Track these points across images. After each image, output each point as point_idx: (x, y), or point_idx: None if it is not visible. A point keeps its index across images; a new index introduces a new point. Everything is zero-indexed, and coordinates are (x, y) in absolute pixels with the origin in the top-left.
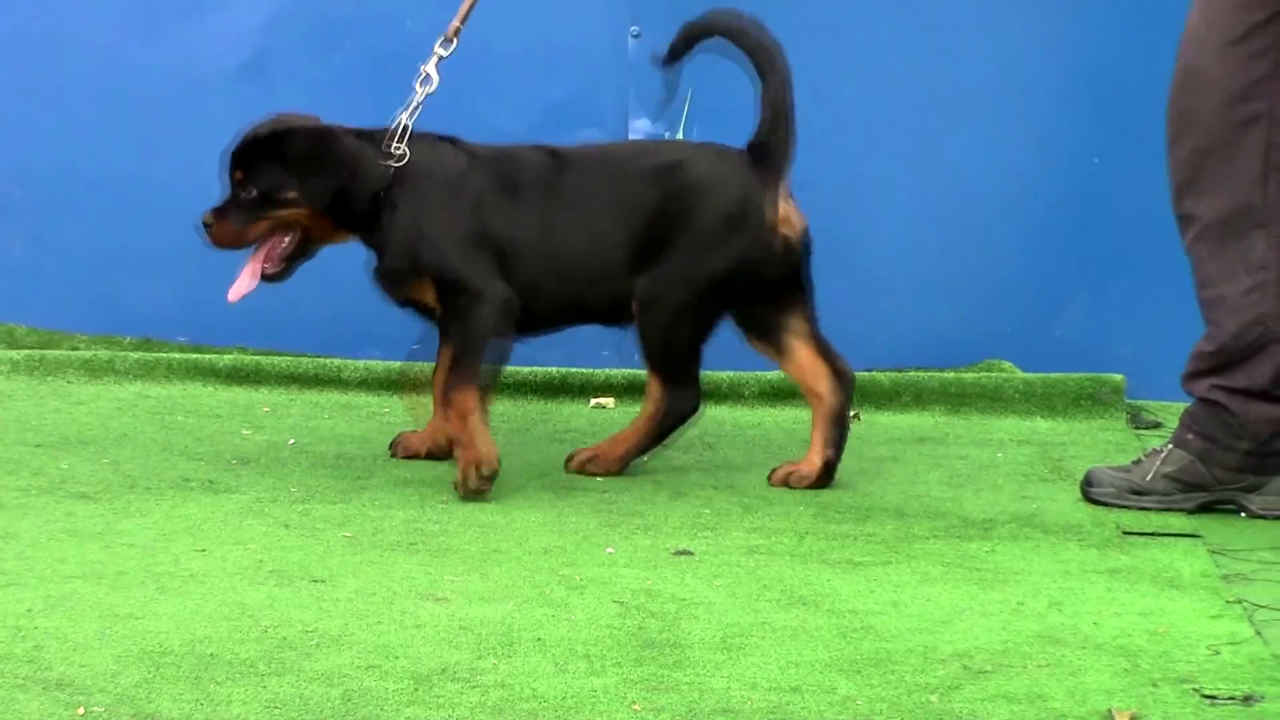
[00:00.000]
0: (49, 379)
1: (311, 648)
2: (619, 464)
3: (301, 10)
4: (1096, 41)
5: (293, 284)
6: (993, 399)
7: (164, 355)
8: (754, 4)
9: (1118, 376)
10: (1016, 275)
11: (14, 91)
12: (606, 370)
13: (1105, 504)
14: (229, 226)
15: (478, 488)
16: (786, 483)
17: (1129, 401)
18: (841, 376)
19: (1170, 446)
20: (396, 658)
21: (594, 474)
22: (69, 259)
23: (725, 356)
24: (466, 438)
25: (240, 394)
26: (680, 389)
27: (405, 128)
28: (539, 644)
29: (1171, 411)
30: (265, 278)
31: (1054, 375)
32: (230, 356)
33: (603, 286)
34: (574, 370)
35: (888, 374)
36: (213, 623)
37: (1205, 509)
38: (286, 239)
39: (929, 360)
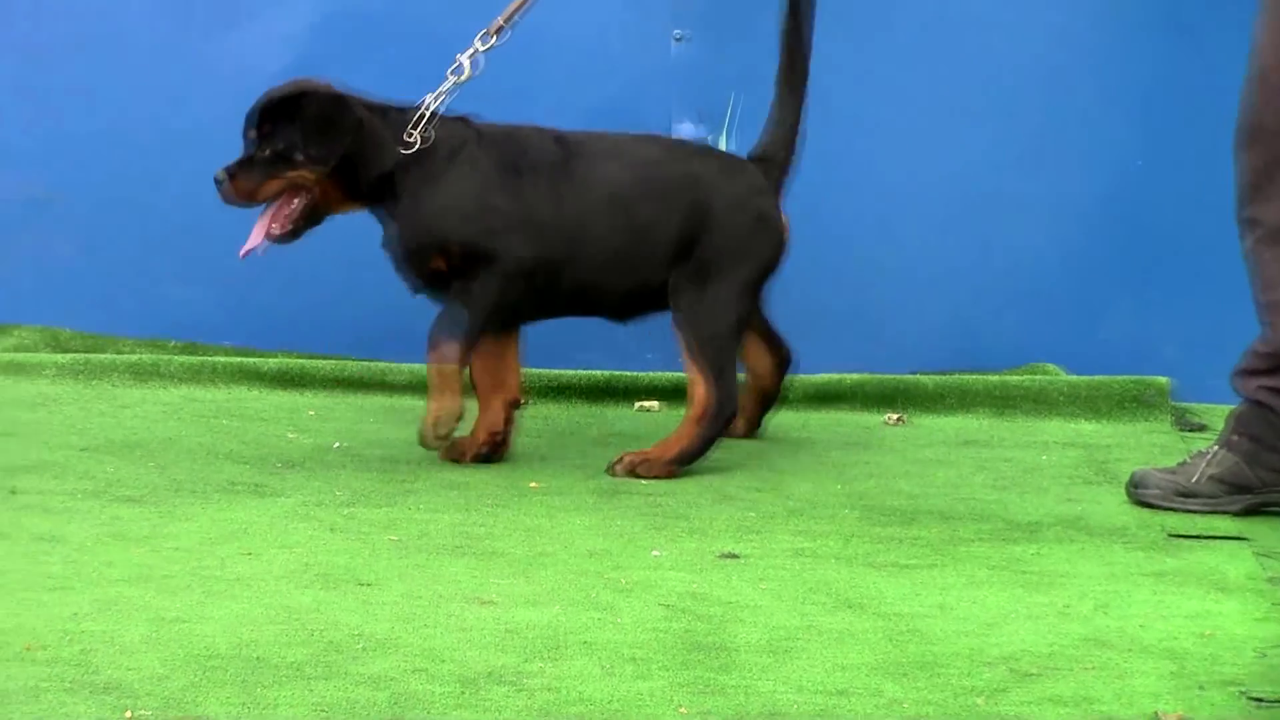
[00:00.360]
0: (95, 383)
1: (359, 651)
2: (672, 466)
3: (348, 14)
4: (1142, 42)
5: (338, 286)
6: (1038, 401)
7: (210, 359)
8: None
9: (1163, 379)
10: (1061, 277)
11: (61, 95)
12: (651, 373)
13: (1152, 505)
14: (242, 183)
15: (433, 444)
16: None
17: (1174, 404)
18: (781, 359)
19: (1217, 448)
20: (444, 661)
21: (644, 477)
22: (115, 263)
23: None
24: (438, 387)
25: (286, 397)
26: (725, 388)
27: (425, 113)
28: (586, 647)
29: (1217, 414)
30: (272, 238)
31: (1099, 378)
32: (276, 360)
33: (632, 276)
34: (619, 373)
35: (933, 377)
36: (260, 626)
37: (1252, 511)
38: (295, 201)
39: (974, 363)
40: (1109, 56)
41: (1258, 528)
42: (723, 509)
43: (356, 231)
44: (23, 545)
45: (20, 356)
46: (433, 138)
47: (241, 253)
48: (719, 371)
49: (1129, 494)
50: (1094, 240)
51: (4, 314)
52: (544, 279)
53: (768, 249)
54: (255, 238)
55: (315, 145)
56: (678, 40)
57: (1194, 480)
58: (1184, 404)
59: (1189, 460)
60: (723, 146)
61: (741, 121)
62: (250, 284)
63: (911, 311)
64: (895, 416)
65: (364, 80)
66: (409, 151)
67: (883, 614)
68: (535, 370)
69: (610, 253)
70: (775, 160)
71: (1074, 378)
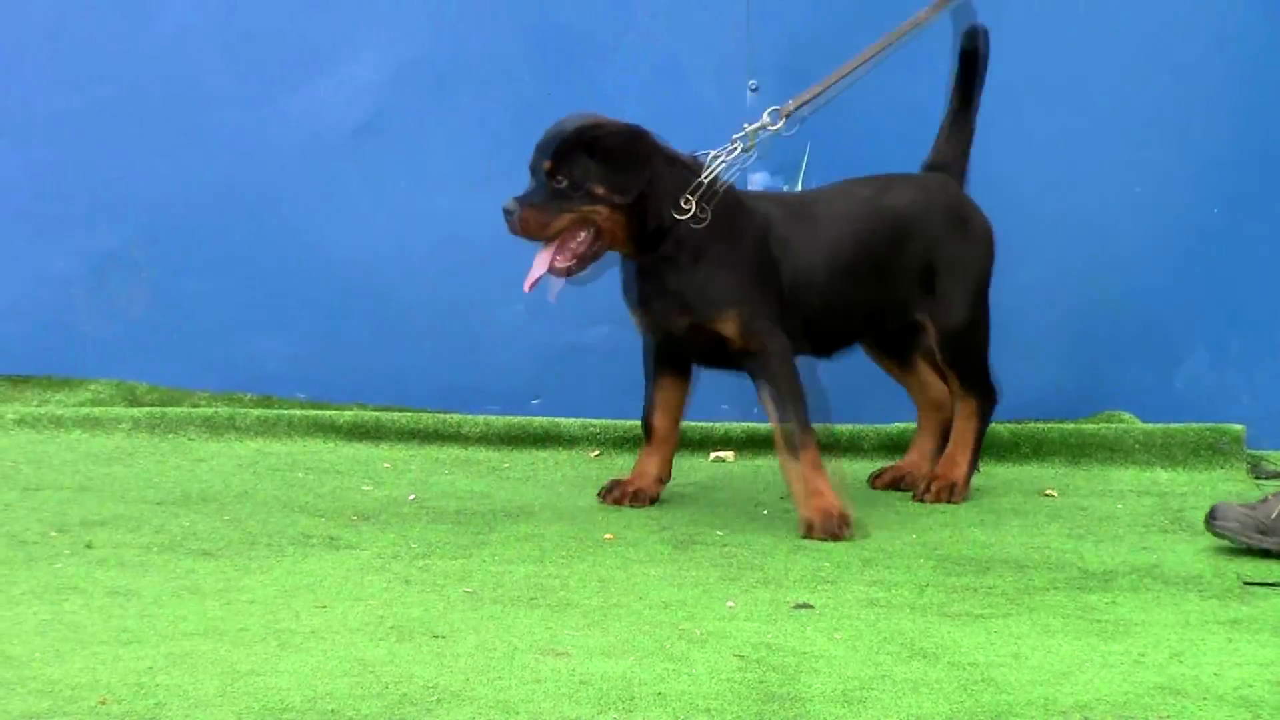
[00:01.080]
0: (170, 436)
1: (433, 703)
2: (965, 485)
3: (418, 69)
4: (1217, 90)
5: (413, 340)
6: (1112, 450)
7: (284, 412)
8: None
9: (1238, 427)
10: (1135, 326)
11: (137, 150)
12: (726, 424)
13: (1227, 537)
14: (533, 215)
15: (838, 533)
16: (897, 486)
17: (1249, 451)
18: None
19: None
20: (517, 713)
21: (941, 502)
22: (190, 317)
23: (842, 409)
24: (818, 486)
25: (360, 450)
26: (987, 388)
27: (701, 185)
28: (659, 698)
29: None
30: (556, 271)
31: (1174, 426)
32: (350, 413)
33: (886, 317)
34: (694, 424)
35: (1007, 426)
36: (334, 679)
37: None
38: (583, 234)
39: (1048, 412)
40: (1189, 105)
41: None
42: (796, 559)
43: (430, 284)
44: (97, 599)
45: (96, 410)
46: (705, 214)
47: (527, 285)
48: (985, 383)
49: (1207, 525)
50: (1168, 288)
51: (79, 368)
52: (813, 332)
53: (990, 248)
54: (538, 269)
55: (616, 177)
56: (753, 90)
57: (1272, 517)
58: (1259, 452)
59: (1269, 497)
60: (799, 182)
61: (816, 171)
62: (324, 337)
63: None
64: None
65: (436, 131)
66: (683, 217)
67: (956, 663)
68: (608, 421)
69: (864, 303)
70: (951, 167)
71: (1148, 426)
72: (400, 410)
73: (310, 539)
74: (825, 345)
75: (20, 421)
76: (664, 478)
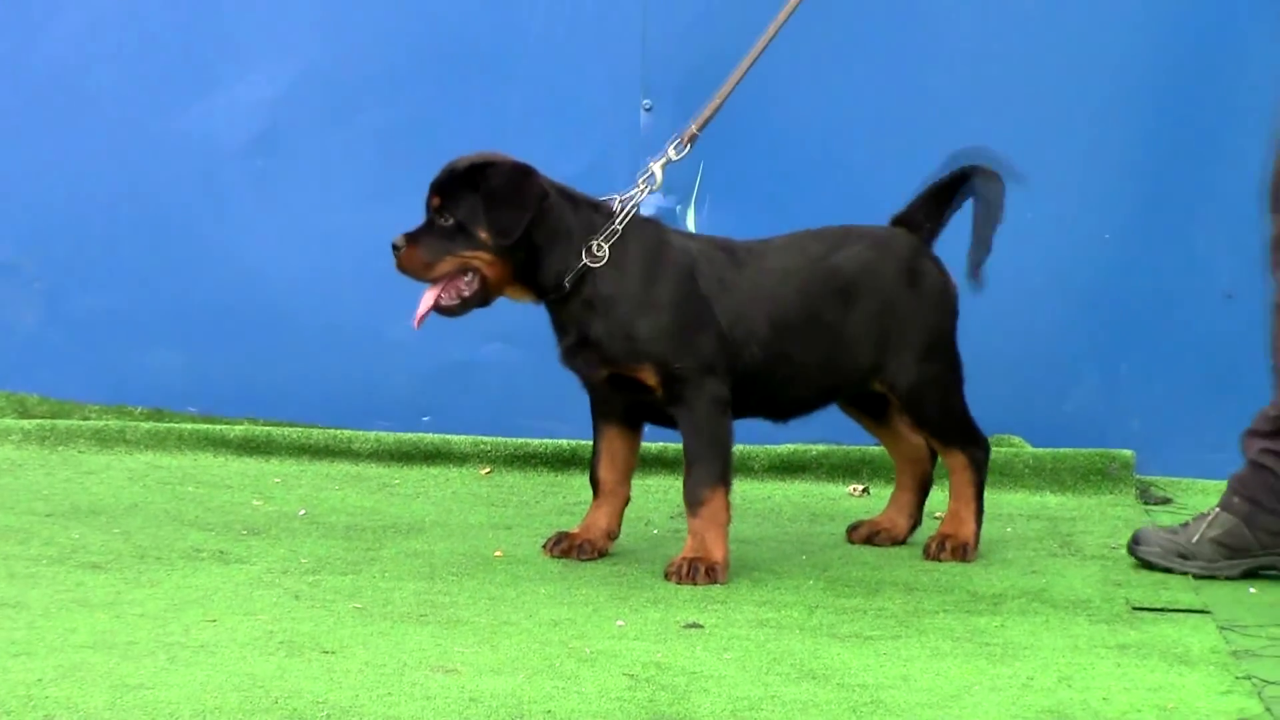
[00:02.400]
0: (60, 448)
1: (323, 719)
2: (976, 542)
3: (314, 85)
4: (1111, 116)
5: (304, 355)
6: (1002, 473)
7: (175, 425)
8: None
9: (1127, 452)
10: (1026, 351)
11: (27, 161)
12: None
13: (1151, 564)
14: (418, 255)
15: (699, 583)
16: (870, 540)
17: (1138, 477)
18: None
19: (1217, 510)
20: None
21: (954, 561)
22: (81, 329)
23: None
24: (712, 538)
25: (251, 464)
26: (971, 438)
27: (615, 231)
28: (549, 716)
29: (1181, 487)
30: (439, 309)
31: (1064, 450)
32: (241, 427)
33: (834, 375)
34: (584, 443)
35: None
36: (223, 693)
37: (1250, 574)
38: (469, 276)
39: None
40: (1076, 131)
41: (1220, 600)
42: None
43: (322, 300)
44: None
45: None
46: (629, 238)
47: (415, 322)
48: (968, 437)
49: (1130, 550)
50: (1059, 313)
51: None
52: (750, 389)
53: (950, 303)
54: (424, 306)
55: (497, 216)
56: (647, 110)
57: (1194, 541)
58: (1148, 477)
59: (1190, 522)
60: (691, 216)
61: (710, 191)
62: (215, 351)
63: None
64: (859, 488)
65: (331, 146)
66: (595, 264)
67: (846, 685)
68: (499, 438)
69: (807, 365)
70: (915, 223)
71: (1038, 450)
72: (291, 425)
73: (200, 553)
74: (777, 407)
75: None
76: (613, 532)
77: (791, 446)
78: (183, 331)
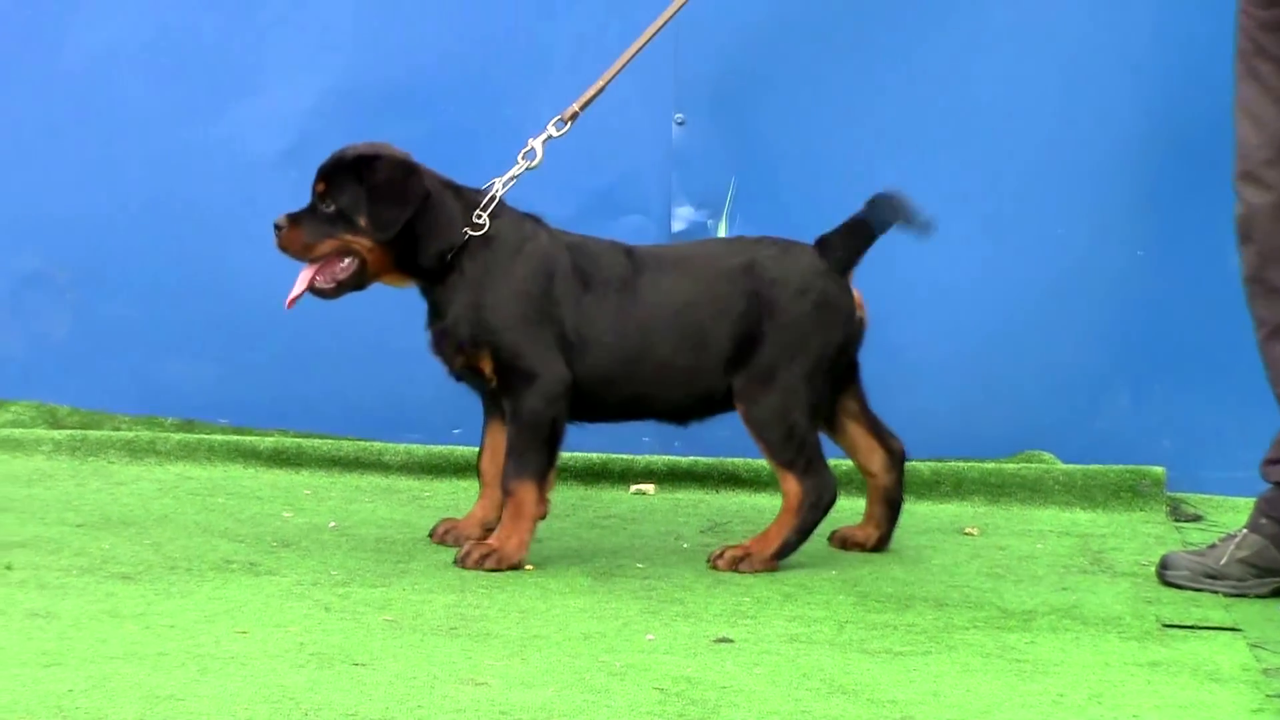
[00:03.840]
0: (91, 459)
1: None
2: (773, 562)
3: (347, 96)
4: (1143, 133)
5: (335, 366)
6: (1033, 490)
7: (206, 437)
8: (796, 86)
9: (1158, 469)
10: (1058, 366)
11: (60, 171)
12: (648, 456)
13: (1180, 587)
14: (299, 236)
15: (472, 568)
16: (844, 546)
17: (1169, 494)
18: (893, 454)
19: (1245, 531)
20: None
21: (745, 572)
22: (112, 340)
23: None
24: (508, 529)
25: (282, 476)
26: (815, 476)
27: (495, 198)
28: None
29: (1212, 505)
30: (314, 290)
31: (1094, 467)
32: (272, 439)
33: (693, 384)
34: (615, 456)
35: (928, 464)
36: (253, 705)
37: (1278, 594)
38: (347, 260)
39: (969, 450)
40: (1111, 150)
41: (1251, 618)
42: (717, 593)
43: (355, 313)
44: (16, 621)
45: (16, 432)
46: (500, 227)
47: (287, 302)
48: (805, 463)
49: (1159, 576)
50: (1091, 329)
51: (0, 390)
52: (600, 391)
53: (833, 330)
54: (299, 287)
55: (378, 210)
56: (679, 124)
57: (1222, 563)
58: (1179, 494)
59: (1217, 543)
60: (722, 229)
61: (741, 205)
62: (246, 363)
63: (908, 398)
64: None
65: None
66: (477, 234)
67: (875, 700)
68: None
69: (669, 368)
70: (835, 245)
71: (1069, 466)
72: (322, 437)
73: (230, 564)
74: (647, 409)
75: None
76: (489, 523)
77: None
78: (214, 343)
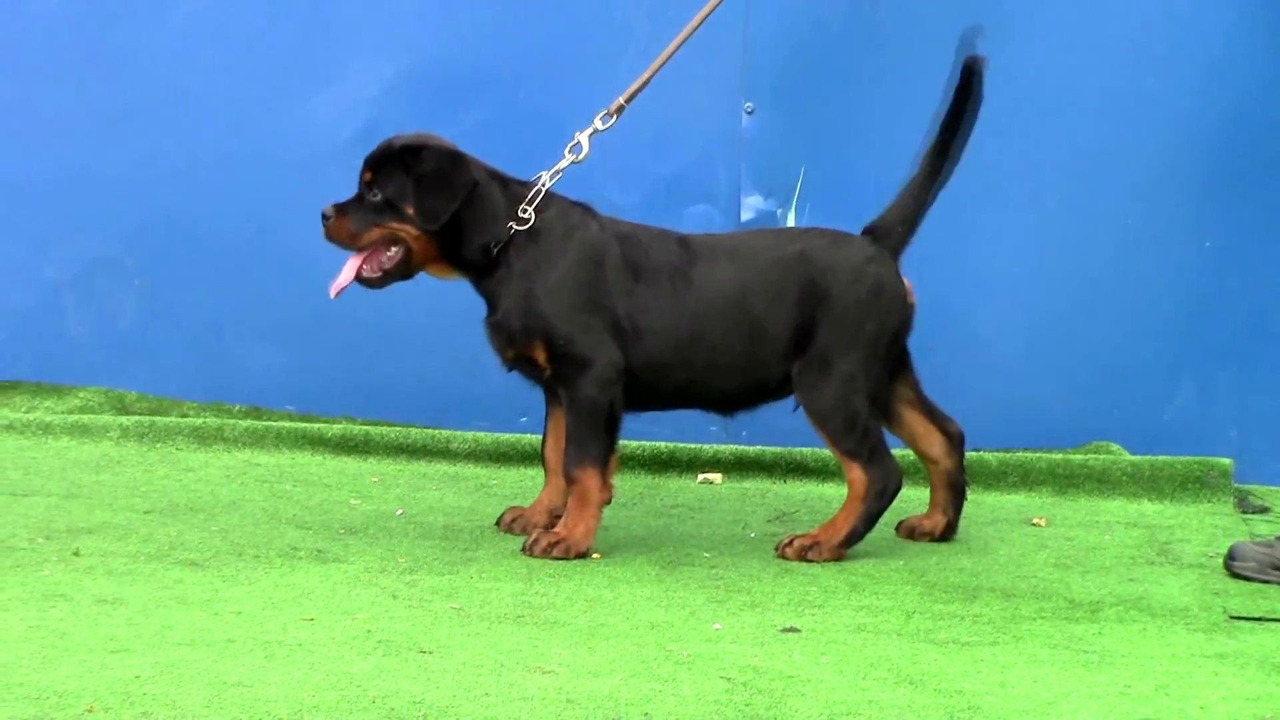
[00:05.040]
0: (158, 445)
1: (419, 719)
2: (841, 550)
3: (417, 82)
4: (1211, 124)
5: (403, 354)
6: (1100, 481)
7: (273, 424)
8: (866, 74)
9: (1225, 460)
10: (1126, 358)
11: (130, 158)
12: (715, 446)
13: (1248, 578)
14: (346, 225)
15: (540, 557)
16: (911, 536)
17: (1236, 485)
18: (952, 438)
19: None
20: None
21: (813, 561)
22: (180, 326)
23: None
24: (574, 517)
25: (349, 463)
26: (879, 465)
27: (541, 192)
28: (646, 718)
29: (1279, 495)
30: (361, 280)
31: (1162, 458)
32: (339, 426)
33: (746, 373)
34: (682, 445)
35: (995, 454)
36: (320, 692)
37: None
38: (393, 249)
39: (1037, 441)
40: (1180, 141)
41: None
42: (784, 583)
43: (422, 300)
44: (85, 607)
45: (84, 418)
46: (548, 218)
47: (332, 292)
48: (869, 452)
49: (1226, 567)
50: (1159, 321)
51: (68, 376)
52: (652, 379)
53: (887, 316)
54: (345, 276)
55: (426, 199)
56: (749, 113)
57: None
58: (1246, 486)
59: None
60: (791, 218)
61: (810, 194)
62: (314, 350)
63: (975, 389)
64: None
65: None
66: (523, 227)
67: (943, 690)
68: None
69: (723, 356)
70: (889, 231)
71: (1136, 458)
72: (389, 425)
73: (298, 551)
74: (698, 399)
75: (9, 428)
76: (556, 510)
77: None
78: (282, 330)
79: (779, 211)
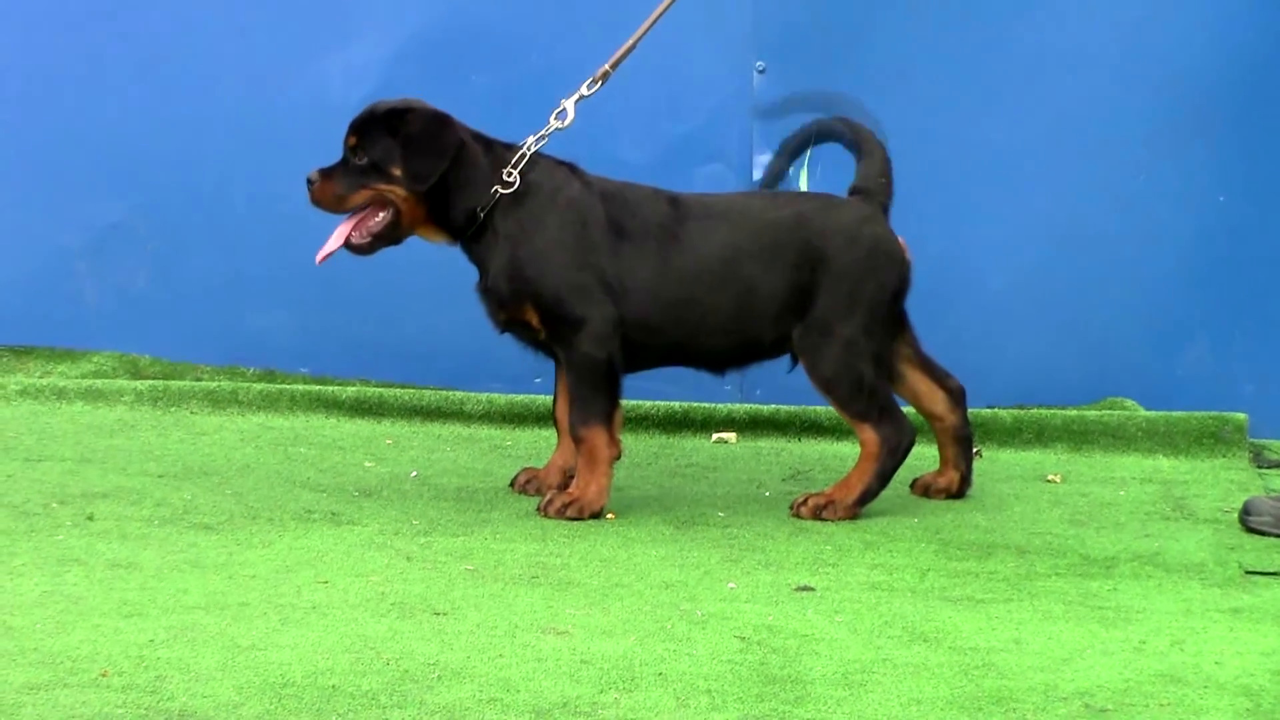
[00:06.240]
0: (173, 409)
1: (433, 680)
2: (856, 508)
3: (426, 45)
4: (1224, 77)
5: (416, 316)
6: (1115, 436)
7: (287, 387)
8: (877, 33)
9: (1240, 415)
10: (1139, 313)
11: (141, 122)
12: (729, 405)
13: (1263, 533)
14: (331, 188)
15: (554, 517)
16: (926, 494)
17: (1251, 440)
18: (953, 393)
19: None
20: (518, 691)
21: (828, 520)
22: (193, 290)
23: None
24: (585, 477)
25: (363, 426)
26: (890, 423)
27: (525, 156)
28: (660, 679)
29: None
30: (349, 246)
31: (1176, 414)
32: (353, 389)
33: (738, 333)
34: (696, 405)
35: (1010, 411)
36: (335, 655)
37: None
38: (381, 214)
39: (1051, 398)
40: (1192, 96)
41: None
42: (798, 542)
43: (435, 261)
44: (99, 571)
45: (98, 383)
46: (533, 180)
47: (319, 258)
48: (878, 412)
49: (1241, 522)
50: (1172, 276)
51: (82, 340)
52: (641, 338)
53: (886, 276)
54: (334, 243)
55: (412, 162)
56: (760, 72)
57: None
58: (1261, 440)
59: None
60: (804, 179)
61: (822, 154)
62: (328, 312)
63: (989, 346)
64: (972, 451)
65: (442, 106)
66: (508, 191)
67: (957, 648)
68: None
69: (714, 316)
70: (874, 190)
71: (1151, 413)
72: (403, 387)
73: (312, 514)
74: (690, 356)
75: (23, 393)
76: (570, 469)
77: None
78: (295, 293)
79: (790, 170)
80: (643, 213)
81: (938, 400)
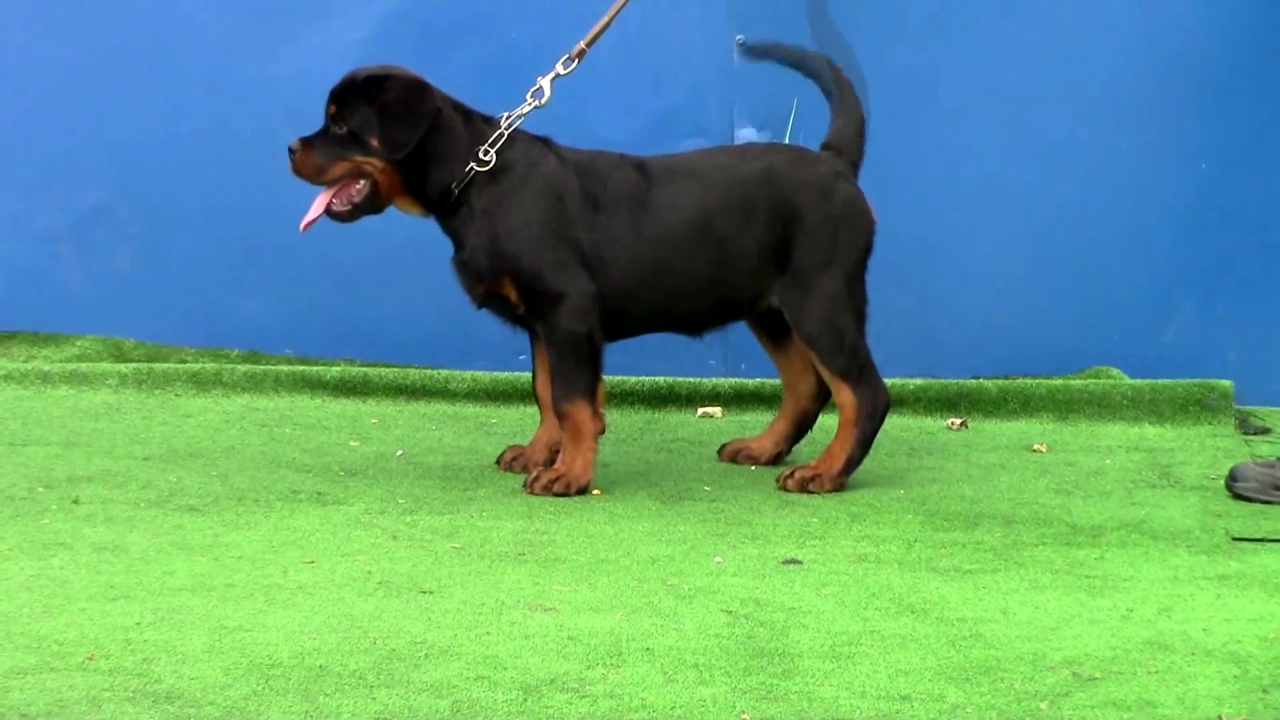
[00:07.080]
0: (157, 392)
1: (420, 659)
2: (842, 479)
3: (405, 24)
4: (1205, 45)
5: (400, 295)
6: (1101, 405)
7: (271, 368)
8: (858, 6)
9: (1226, 382)
10: (1124, 282)
11: (121, 104)
12: (714, 379)
13: (1249, 499)
14: (311, 158)
15: (540, 494)
16: (734, 459)
17: (1237, 407)
18: (823, 385)
19: None
20: (505, 668)
21: (815, 493)
22: (176, 272)
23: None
24: (571, 453)
25: (348, 406)
26: (869, 384)
27: (502, 135)
28: (648, 654)
29: None
30: (331, 213)
31: (1162, 381)
32: (337, 368)
33: (715, 294)
34: (681, 379)
35: (995, 381)
36: (321, 634)
37: None
38: (361, 183)
39: (1036, 368)
40: (1174, 63)
41: None
42: (784, 515)
43: (418, 238)
44: (85, 555)
45: (83, 366)
46: (509, 157)
47: (302, 225)
48: (858, 371)
49: (1227, 487)
50: (1157, 244)
51: (66, 324)
52: (620, 307)
53: (860, 232)
54: (315, 210)
55: (389, 129)
56: (740, 46)
57: None
58: (1247, 407)
59: None
60: (789, 130)
61: (804, 125)
62: (311, 293)
63: (974, 316)
64: (957, 421)
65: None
66: (484, 169)
67: (944, 619)
68: None
69: (690, 279)
70: (846, 147)
71: (1136, 381)
72: (388, 366)
73: (298, 494)
74: (669, 321)
75: (7, 377)
76: (555, 445)
77: (889, 381)
78: (278, 274)
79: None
80: (612, 182)
81: (809, 384)
